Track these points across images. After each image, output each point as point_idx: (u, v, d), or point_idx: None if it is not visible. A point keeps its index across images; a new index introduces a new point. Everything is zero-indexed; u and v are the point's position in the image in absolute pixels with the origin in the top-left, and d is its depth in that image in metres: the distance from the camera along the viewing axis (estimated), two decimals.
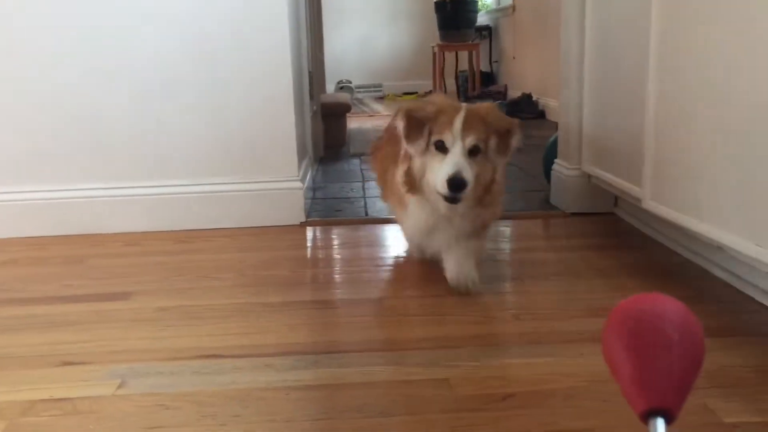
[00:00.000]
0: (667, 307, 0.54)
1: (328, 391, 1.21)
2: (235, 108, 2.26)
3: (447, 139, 1.51)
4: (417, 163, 1.58)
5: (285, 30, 2.23)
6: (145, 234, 2.26)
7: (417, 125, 1.55)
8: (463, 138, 1.50)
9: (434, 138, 1.53)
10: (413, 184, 1.59)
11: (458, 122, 1.51)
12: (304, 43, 2.72)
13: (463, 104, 1.58)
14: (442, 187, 1.50)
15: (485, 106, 1.57)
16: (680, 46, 1.59)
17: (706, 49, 1.48)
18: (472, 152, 1.52)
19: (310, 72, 2.85)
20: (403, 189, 1.63)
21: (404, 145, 1.59)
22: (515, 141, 1.55)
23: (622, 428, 1.06)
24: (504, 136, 1.54)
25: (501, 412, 1.12)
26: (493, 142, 1.53)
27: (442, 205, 1.56)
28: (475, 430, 1.07)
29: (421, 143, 1.54)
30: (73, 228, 2.27)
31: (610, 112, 2.09)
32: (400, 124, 1.57)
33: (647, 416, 0.50)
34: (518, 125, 1.57)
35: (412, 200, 1.64)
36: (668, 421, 0.49)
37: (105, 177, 2.27)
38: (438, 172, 1.51)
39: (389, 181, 1.77)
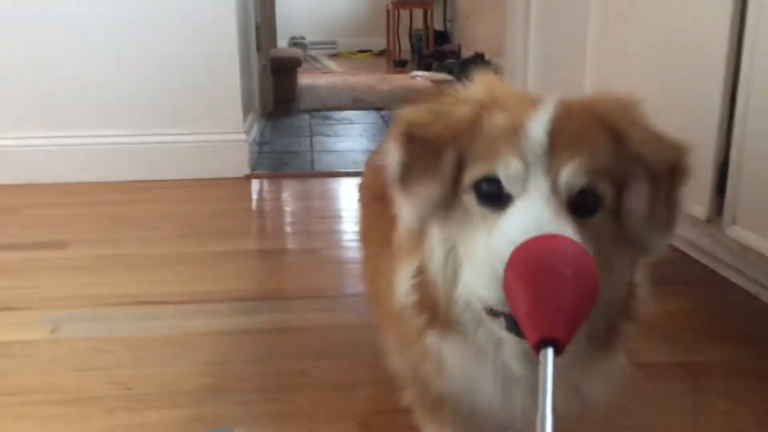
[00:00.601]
0: (561, 245, 0.57)
1: (264, 336, 1.23)
2: (179, 59, 2.22)
3: (506, 172, 0.63)
4: (437, 243, 0.68)
5: None
6: (86, 184, 2.22)
7: (427, 154, 0.67)
8: (553, 168, 0.62)
9: (473, 173, 0.65)
10: (433, 302, 0.69)
11: (537, 131, 0.63)
12: None
13: (547, 97, 0.68)
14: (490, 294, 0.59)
15: (611, 101, 0.67)
16: (619, 11, 1.62)
17: (644, 14, 1.51)
18: (581, 206, 0.63)
19: (257, 24, 2.81)
20: (412, 318, 0.71)
21: (398, 204, 0.69)
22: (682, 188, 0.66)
23: None
24: (662, 177, 0.65)
25: None
26: (638, 191, 0.64)
27: (511, 352, 0.67)
28: None
29: (435, 187, 0.66)
30: (9, 177, 2.21)
31: (551, 71, 2.12)
32: (393, 155, 0.68)
33: (539, 346, 0.52)
34: (688, 151, 0.66)
35: (434, 342, 0.70)
36: (558, 352, 0.52)
37: (45, 125, 2.22)
38: (486, 254, 0.61)
39: (381, 295, 0.84)
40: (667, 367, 1.11)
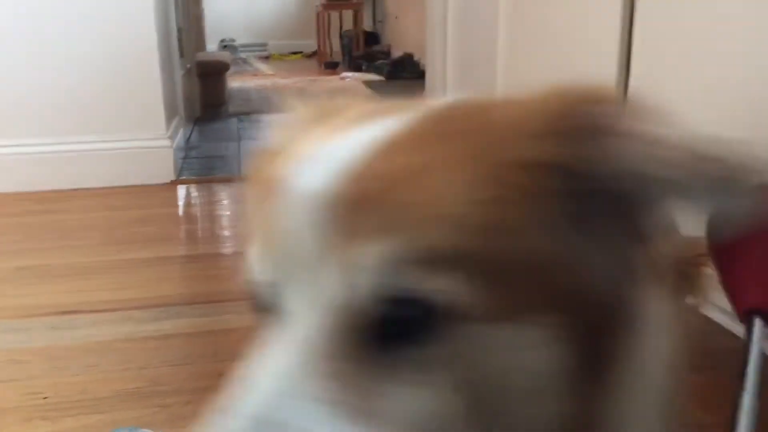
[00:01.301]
0: None
1: (186, 339, 1.24)
2: (98, 65, 2.20)
3: (250, 275, 0.38)
4: None
5: None
6: (5, 195, 2.17)
7: None
8: (340, 257, 0.33)
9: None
10: None
11: (314, 180, 0.34)
12: None
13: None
14: None
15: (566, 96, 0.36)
16: (526, 12, 1.69)
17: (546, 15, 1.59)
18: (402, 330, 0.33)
19: (179, 28, 2.79)
20: None
21: None
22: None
23: None
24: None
25: None
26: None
27: None
28: None
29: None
30: None
31: (468, 72, 2.19)
32: None
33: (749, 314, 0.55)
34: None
35: None
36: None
37: None
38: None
39: None
40: None
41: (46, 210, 2.04)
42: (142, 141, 2.27)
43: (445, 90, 2.39)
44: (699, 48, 1.16)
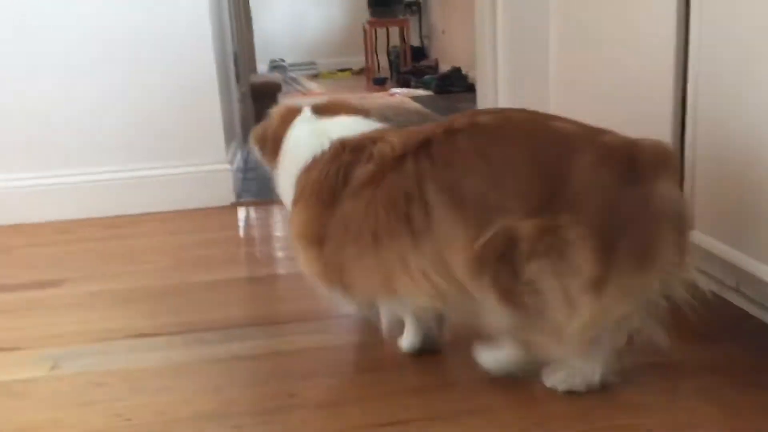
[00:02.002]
0: None
1: (256, 361, 1.28)
2: (159, 92, 2.28)
3: None
4: None
5: (204, 13, 2.25)
6: (74, 222, 2.27)
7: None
8: None
9: None
10: None
11: None
12: (228, 25, 2.74)
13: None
14: None
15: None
16: (578, 24, 1.70)
17: (597, 25, 1.59)
18: None
19: (235, 54, 2.88)
20: None
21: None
22: None
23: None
24: None
25: (406, 368, 1.21)
26: None
27: None
28: (391, 388, 1.16)
29: None
30: None
31: (520, 85, 2.19)
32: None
33: None
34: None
35: None
36: None
37: (30, 166, 2.27)
38: None
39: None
40: None
41: (115, 235, 2.12)
42: (203, 165, 2.34)
43: (497, 103, 2.40)
44: (761, 47, 1.14)
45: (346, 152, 1.17)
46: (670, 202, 0.97)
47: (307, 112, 1.31)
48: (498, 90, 2.40)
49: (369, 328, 1.37)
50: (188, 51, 2.27)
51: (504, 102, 2.39)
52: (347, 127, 1.23)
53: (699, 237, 1.28)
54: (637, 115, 1.45)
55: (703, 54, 1.28)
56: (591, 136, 0.99)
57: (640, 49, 1.45)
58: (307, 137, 1.24)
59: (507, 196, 0.98)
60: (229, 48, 2.76)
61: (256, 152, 1.40)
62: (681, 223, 0.98)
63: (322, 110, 1.31)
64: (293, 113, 1.32)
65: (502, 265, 0.97)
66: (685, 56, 1.32)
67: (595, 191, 0.94)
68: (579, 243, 0.93)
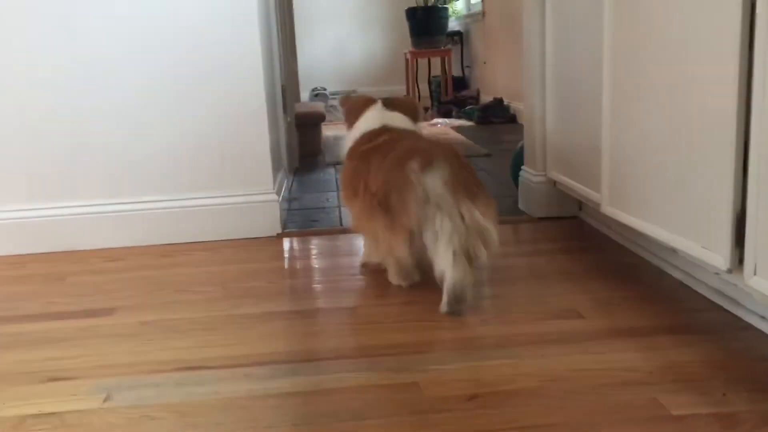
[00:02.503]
0: None
1: (305, 398, 1.28)
2: (210, 123, 2.32)
3: None
4: None
5: (255, 44, 2.29)
6: (125, 249, 2.32)
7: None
8: None
9: None
10: None
11: None
12: (277, 55, 2.79)
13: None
14: None
15: None
16: (632, 50, 1.68)
17: (657, 52, 1.57)
18: None
19: (283, 85, 2.92)
20: None
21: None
22: None
23: (582, 425, 1.14)
24: None
25: (467, 411, 1.20)
26: None
27: None
28: (443, 430, 1.15)
29: None
30: (51, 246, 2.32)
31: (569, 118, 2.18)
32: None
33: None
34: None
35: None
36: None
37: (83, 193, 2.32)
38: None
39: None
40: (697, 419, 1.14)
41: (163, 264, 2.15)
42: (251, 196, 2.37)
43: (545, 135, 2.39)
44: None
45: (373, 135, 1.87)
46: (421, 182, 1.59)
47: (379, 103, 2.00)
48: (546, 124, 2.39)
49: (416, 363, 1.36)
50: (239, 82, 2.31)
51: (551, 133, 2.37)
52: (396, 120, 1.94)
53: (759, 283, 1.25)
54: (697, 159, 1.43)
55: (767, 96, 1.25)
56: (411, 148, 1.69)
57: (696, 94, 1.43)
58: (370, 120, 1.95)
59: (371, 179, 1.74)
60: (278, 79, 2.80)
61: (341, 113, 2.15)
62: (425, 192, 1.58)
63: (388, 104, 1.99)
64: (370, 102, 2.01)
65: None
66: (748, 103, 1.29)
67: (385, 173, 1.68)
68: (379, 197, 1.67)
